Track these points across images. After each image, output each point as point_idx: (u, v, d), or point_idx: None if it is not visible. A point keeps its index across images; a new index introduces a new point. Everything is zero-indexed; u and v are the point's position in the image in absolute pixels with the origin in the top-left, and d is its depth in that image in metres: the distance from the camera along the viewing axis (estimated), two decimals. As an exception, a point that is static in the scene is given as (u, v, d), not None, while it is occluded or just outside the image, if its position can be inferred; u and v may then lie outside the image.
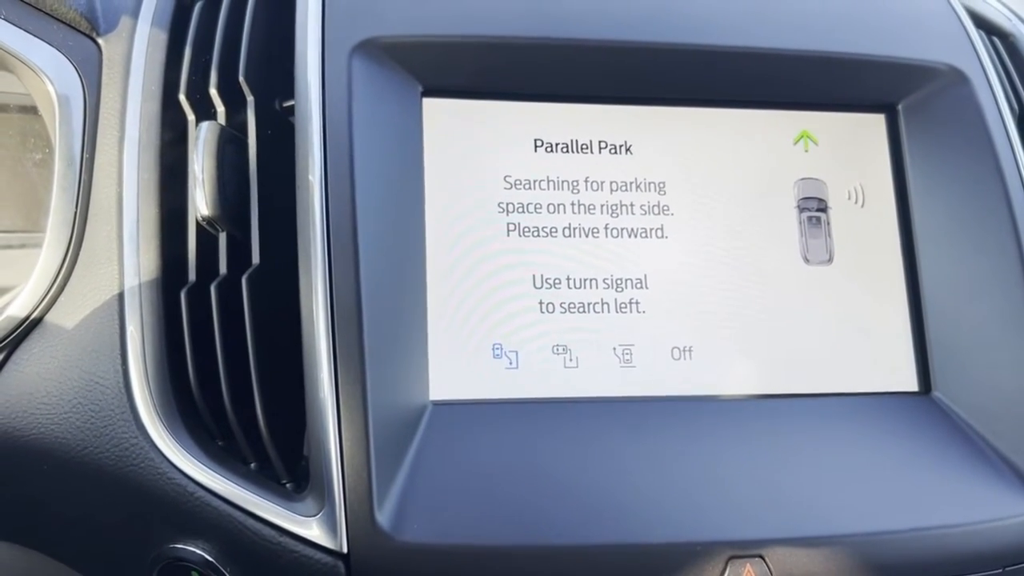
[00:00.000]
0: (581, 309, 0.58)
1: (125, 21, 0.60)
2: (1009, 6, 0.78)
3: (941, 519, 0.54)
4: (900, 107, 0.64)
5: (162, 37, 0.60)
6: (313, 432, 0.51)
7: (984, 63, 0.64)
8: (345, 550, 0.49)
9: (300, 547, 0.50)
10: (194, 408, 0.54)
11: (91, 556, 0.56)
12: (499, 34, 0.58)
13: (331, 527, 0.49)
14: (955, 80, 0.63)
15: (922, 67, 0.63)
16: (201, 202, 0.53)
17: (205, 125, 0.55)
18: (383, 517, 0.49)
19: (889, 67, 0.63)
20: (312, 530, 0.50)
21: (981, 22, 0.72)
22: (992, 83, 0.64)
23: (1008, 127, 0.62)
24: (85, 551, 0.56)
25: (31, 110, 0.64)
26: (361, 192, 0.53)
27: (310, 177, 0.54)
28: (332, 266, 0.52)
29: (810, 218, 0.62)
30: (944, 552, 0.53)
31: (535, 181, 0.59)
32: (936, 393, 0.60)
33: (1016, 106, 0.68)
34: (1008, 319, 0.58)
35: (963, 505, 0.55)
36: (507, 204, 0.59)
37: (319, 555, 0.50)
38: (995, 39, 0.73)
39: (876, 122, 0.64)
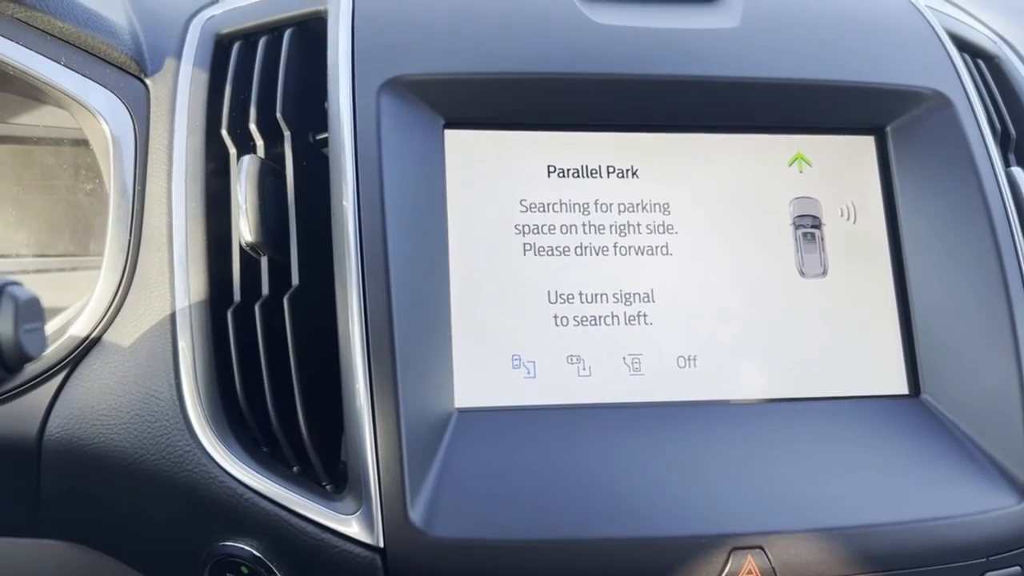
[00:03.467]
0: (593, 322, 0.62)
1: (170, 62, 0.65)
2: (994, 28, 0.83)
3: (930, 512, 0.57)
4: (888, 129, 0.68)
5: (204, 77, 0.65)
6: (351, 438, 0.55)
7: (967, 87, 0.68)
8: (381, 545, 0.54)
9: (340, 543, 0.55)
10: (241, 418, 0.58)
11: (149, 554, 0.61)
12: (513, 71, 0.62)
13: (368, 524, 0.54)
14: (940, 104, 0.67)
15: (908, 92, 0.67)
16: (244, 229, 0.58)
17: (247, 159, 0.60)
18: (416, 514, 0.54)
19: (877, 93, 0.67)
20: (351, 527, 0.54)
21: (965, 46, 0.76)
22: (974, 106, 0.67)
23: (989, 147, 0.66)
24: (143, 550, 0.61)
25: (82, 143, 0.69)
26: (391, 217, 0.58)
27: (344, 204, 0.58)
28: (366, 285, 0.56)
29: (805, 234, 0.66)
30: (932, 543, 0.57)
31: (549, 204, 0.64)
32: (924, 396, 0.64)
33: (999, 127, 0.72)
34: (990, 326, 0.62)
35: (950, 499, 0.58)
36: (523, 226, 0.63)
37: (358, 550, 0.54)
38: (980, 62, 0.77)
39: (866, 144, 0.68)
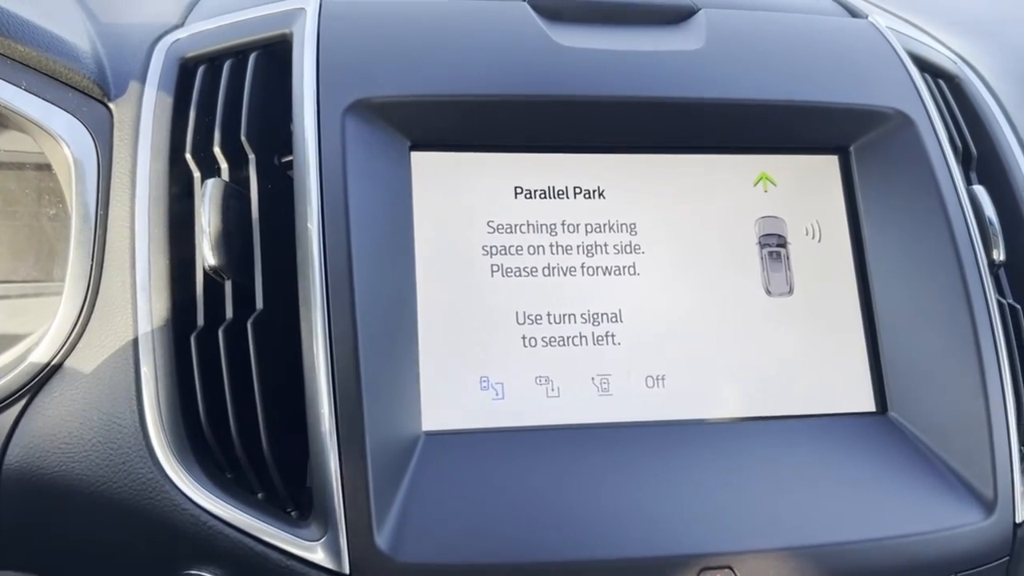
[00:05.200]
0: (561, 342, 0.62)
1: (133, 86, 0.65)
2: (954, 48, 0.84)
3: (897, 529, 0.58)
4: (852, 149, 0.69)
5: (168, 100, 0.65)
6: (316, 463, 0.55)
7: (928, 107, 0.69)
8: (347, 571, 0.53)
9: (306, 570, 0.54)
10: (205, 444, 0.58)
11: (111, 584, 0.60)
12: (479, 93, 0.62)
13: (334, 550, 0.53)
14: (902, 123, 0.68)
15: (871, 112, 0.68)
16: (208, 253, 0.58)
17: (210, 182, 0.59)
18: (382, 540, 0.53)
19: (841, 113, 0.68)
20: (317, 554, 0.54)
21: (927, 66, 0.77)
22: (936, 125, 0.68)
23: (951, 165, 0.67)
24: (106, 580, 0.60)
25: (45, 168, 0.69)
26: (356, 239, 0.58)
27: (309, 226, 0.58)
28: (331, 309, 0.56)
29: (771, 253, 0.67)
30: (901, 560, 0.57)
31: (516, 225, 0.64)
32: (891, 413, 0.64)
33: (960, 145, 0.73)
34: (954, 343, 0.63)
35: (917, 516, 0.59)
36: (490, 247, 0.63)
37: (323, 577, 0.54)
38: (941, 82, 0.78)
39: (830, 163, 0.69)
